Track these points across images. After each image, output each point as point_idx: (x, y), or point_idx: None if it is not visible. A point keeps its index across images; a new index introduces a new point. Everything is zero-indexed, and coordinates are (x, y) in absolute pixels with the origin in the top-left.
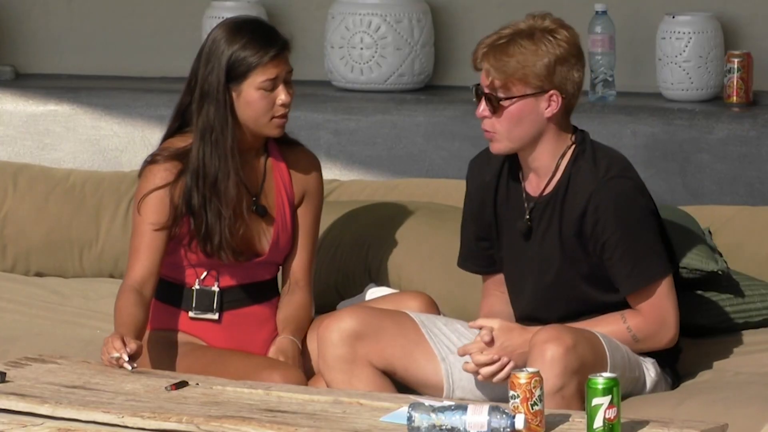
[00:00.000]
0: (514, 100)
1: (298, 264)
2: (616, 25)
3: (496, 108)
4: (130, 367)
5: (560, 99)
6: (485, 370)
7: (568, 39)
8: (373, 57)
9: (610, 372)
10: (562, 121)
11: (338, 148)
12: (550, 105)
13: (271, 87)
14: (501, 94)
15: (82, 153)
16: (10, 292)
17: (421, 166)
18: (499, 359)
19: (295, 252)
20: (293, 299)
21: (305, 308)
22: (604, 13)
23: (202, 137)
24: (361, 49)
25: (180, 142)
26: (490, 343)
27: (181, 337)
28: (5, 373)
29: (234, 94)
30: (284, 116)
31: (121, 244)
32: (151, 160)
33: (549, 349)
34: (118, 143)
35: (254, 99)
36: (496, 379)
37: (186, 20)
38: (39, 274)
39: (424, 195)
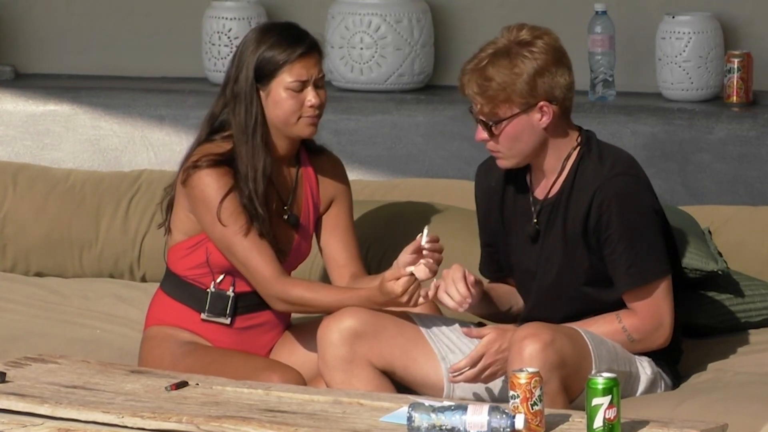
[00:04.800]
0: (505, 122)
1: (350, 257)
2: (616, 25)
3: (491, 132)
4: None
5: (551, 107)
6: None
7: (546, 48)
8: (373, 57)
9: (595, 366)
10: (562, 124)
11: (338, 148)
12: (543, 116)
13: (300, 88)
14: (492, 119)
15: (82, 153)
16: (10, 292)
17: (420, 166)
18: (479, 359)
19: (340, 248)
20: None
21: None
22: (604, 13)
23: (238, 139)
24: (361, 49)
25: (216, 148)
26: (478, 359)
27: (186, 336)
28: (5, 373)
29: (263, 94)
30: (314, 116)
31: (120, 244)
32: (196, 166)
33: (527, 346)
34: (118, 143)
35: (282, 99)
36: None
37: (186, 20)
38: (39, 274)
39: (424, 195)
